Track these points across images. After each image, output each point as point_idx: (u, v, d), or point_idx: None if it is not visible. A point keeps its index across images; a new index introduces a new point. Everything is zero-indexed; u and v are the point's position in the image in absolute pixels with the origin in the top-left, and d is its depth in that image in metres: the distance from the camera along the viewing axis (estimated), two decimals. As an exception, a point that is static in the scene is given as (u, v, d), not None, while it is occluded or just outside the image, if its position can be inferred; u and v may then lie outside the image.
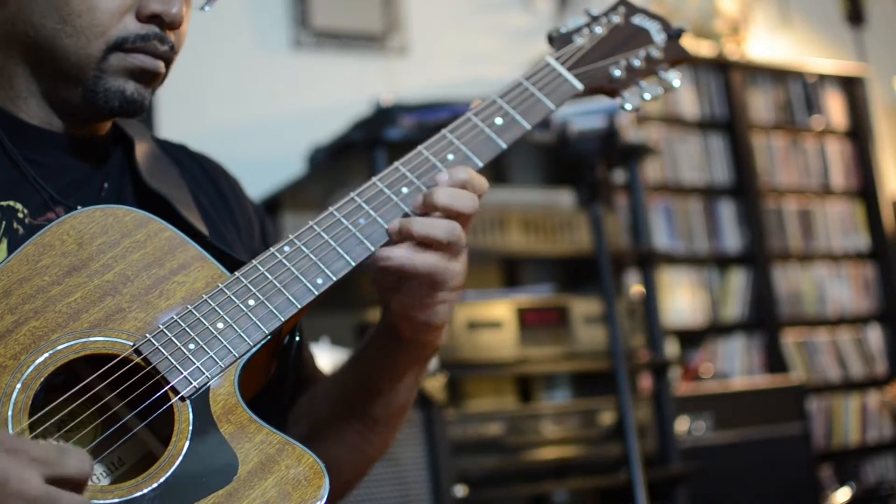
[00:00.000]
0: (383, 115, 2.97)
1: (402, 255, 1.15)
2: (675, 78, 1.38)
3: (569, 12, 4.44)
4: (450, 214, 1.17)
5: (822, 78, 5.14)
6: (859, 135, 5.16)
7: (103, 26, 1.15)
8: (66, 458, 0.87)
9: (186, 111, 3.52)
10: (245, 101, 3.78)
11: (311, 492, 0.99)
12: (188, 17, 1.23)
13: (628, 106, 1.36)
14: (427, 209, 1.17)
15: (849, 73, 5.19)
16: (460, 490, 2.64)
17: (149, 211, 1.13)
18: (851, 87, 5.19)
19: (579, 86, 1.31)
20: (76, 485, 0.88)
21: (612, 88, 1.35)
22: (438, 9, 4.26)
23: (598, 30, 1.38)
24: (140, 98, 1.18)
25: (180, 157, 1.37)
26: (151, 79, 1.19)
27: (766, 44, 5.10)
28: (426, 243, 1.15)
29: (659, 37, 1.40)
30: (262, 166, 3.50)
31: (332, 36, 3.98)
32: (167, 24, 1.17)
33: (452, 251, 1.17)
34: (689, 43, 4.64)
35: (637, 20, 1.41)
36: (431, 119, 2.91)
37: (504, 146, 1.24)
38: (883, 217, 5.07)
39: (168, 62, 1.21)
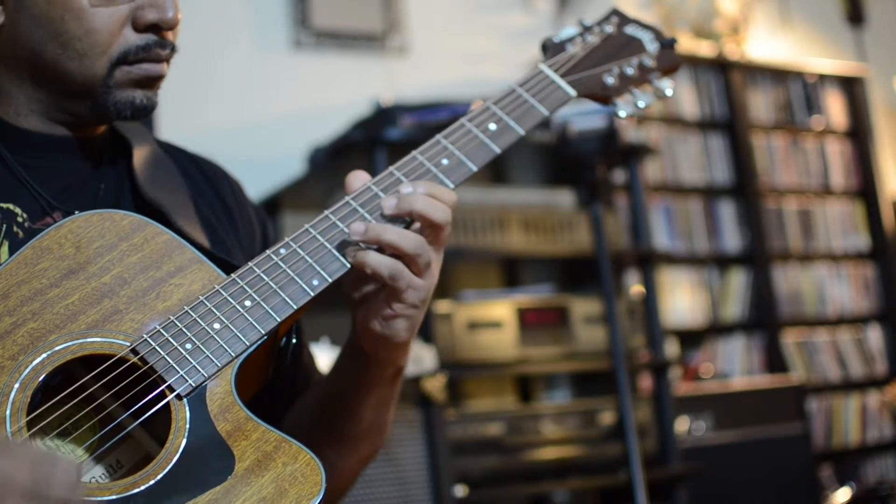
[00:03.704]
0: (383, 115, 2.97)
1: (371, 255, 1.13)
2: (667, 86, 1.39)
3: (569, 13, 4.44)
4: (423, 222, 1.16)
5: (822, 78, 5.14)
6: (859, 135, 5.17)
7: (104, 45, 1.16)
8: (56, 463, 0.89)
9: (186, 111, 3.52)
10: (245, 102, 3.79)
11: (308, 488, 1.00)
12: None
13: (622, 113, 1.37)
14: (401, 213, 1.15)
15: (849, 73, 5.20)
16: (460, 490, 2.64)
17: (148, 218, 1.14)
18: (851, 87, 5.19)
19: (572, 92, 1.32)
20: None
21: (605, 95, 1.36)
22: (438, 9, 4.26)
23: (591, 39, 1.38)
24: (149, 103, 1.21)
25: (181, 160, 1.37)
26: (157, 82, 1.22)
27: (766, 44, 5.10)
28: (391, 251, 1.13)
29: (652, 46, 1.40)
30: (262, 166, 3.51)
31: (332, 36, 3.99)
32: (165, 29, 1.19)
33: (416, 265, 1.15)
34: (689, 43, 4.64)
35: (630, 30, 1.42)
36: (431, 119, 2.91)
37: (498, 151, 1.25)
38: (883, 217, 5.07)
39: (169, 62, 1.23)
